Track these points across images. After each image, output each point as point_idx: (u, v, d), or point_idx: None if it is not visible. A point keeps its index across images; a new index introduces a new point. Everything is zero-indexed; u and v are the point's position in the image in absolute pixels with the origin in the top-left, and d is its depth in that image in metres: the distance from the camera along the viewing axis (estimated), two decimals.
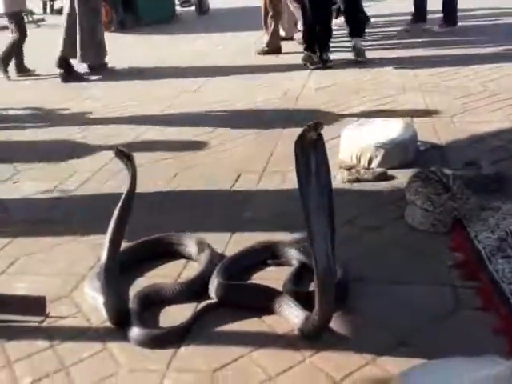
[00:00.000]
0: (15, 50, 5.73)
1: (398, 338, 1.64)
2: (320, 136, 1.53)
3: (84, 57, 5.42)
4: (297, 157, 1.55)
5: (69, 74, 5.40)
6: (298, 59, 5.30)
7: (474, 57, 5.02)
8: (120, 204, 1.76)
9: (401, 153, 2.86)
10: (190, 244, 2.10)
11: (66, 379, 1.57)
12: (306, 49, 5.20)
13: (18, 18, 5.70)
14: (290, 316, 1.71)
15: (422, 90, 4.21)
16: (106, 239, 1.74)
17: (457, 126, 3.40)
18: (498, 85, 4.16)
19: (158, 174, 2.95)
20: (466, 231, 2.19)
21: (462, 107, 3.71)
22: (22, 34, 5.68)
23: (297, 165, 1.56)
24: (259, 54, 5.97)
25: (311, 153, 1.54)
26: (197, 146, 3.39)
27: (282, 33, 6.34)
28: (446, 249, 2.09)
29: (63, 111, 4.42)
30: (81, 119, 4.15)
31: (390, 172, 2.75)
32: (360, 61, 5.14)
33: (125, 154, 1.75)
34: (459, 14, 6.36)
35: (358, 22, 5.34)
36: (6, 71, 5.72)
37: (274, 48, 5.95)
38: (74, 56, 5.39)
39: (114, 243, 1.74)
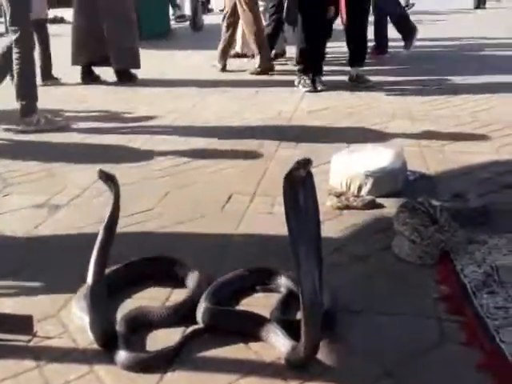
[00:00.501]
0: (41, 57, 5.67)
1: (383, 369, 1.66)
2: (309, 172, 1.55)
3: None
4: (285, 192, 1.57)
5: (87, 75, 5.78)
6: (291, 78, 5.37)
7: (463, 86, 5.12)
8: (104, 226, 1.77)
9: (390, 181, 2.89)
10: (179, 267, 2.11)
11: None
12: (299, 71, 5.26)
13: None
14: (277, 344, 1.72)
15: (412, 117, 4.27)
16: (91, 261, 1.75)
17: (446, 156, 3.44)
18: (489, 115, 4.24)
19: (150, 193, 2.96)
20: (453, 264, 2.22)
21: (452, 137, 3.77)
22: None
23: (285, 199, 1.58)
24: (252, 73, 6.06)
25: (300, 189, 1.56)
26: (189, 164, 3.40)
27: (238, 49, 6.71)
28: (431, 281, 2.11)
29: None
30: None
31: (379, 200, 2.79)
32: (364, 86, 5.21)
33: (108, 175, 1.76)
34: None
35: (362, 50, 5.38)
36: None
37: (265, 68, 6.06)
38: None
39: (100, 265, 1.74)
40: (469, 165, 3.27)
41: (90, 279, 1.73)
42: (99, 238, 1.76)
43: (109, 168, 2.96)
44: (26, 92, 4.09)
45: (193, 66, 6.83)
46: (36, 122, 4.12)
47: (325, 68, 5.45)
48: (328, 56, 5.65)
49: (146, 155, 3.59)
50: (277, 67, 6.31)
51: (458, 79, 5.53)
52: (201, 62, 6.90)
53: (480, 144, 3.63)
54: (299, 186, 1.55)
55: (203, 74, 6.26)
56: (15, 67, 4.00)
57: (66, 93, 5.56)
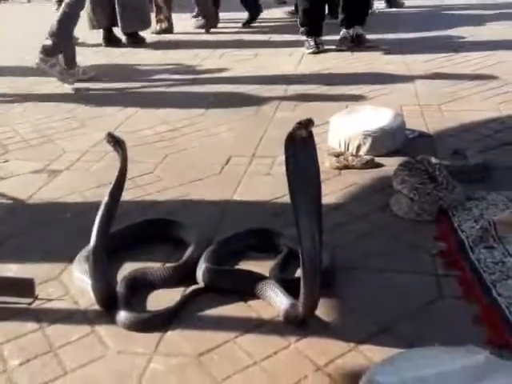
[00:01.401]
0: None
1: (381, 325, 1.67)
2: (310, 133, 1.54)
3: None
4: (287, 153, 1.56)
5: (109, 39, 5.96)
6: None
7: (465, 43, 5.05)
8: (110, 188, 1.77)
9: (389, 141, 2.88)
10: (181, 228, 2.12)
11: (54, 360, 1.59)
12: (303, 33, 5.19)
13: None
14: (276, 302, 1.74)
15: (411, 77, 4.22)
16: (95, 222, 1.76)
17: (445, 114, 3.42)
18: (490, 73, 4.19)
19: (148, 156, 2.96)
20: (451, 221, 2.22)
21: (451, 95, 3.73)
22: None
23: (286, 160, 1.57)
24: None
25: (301, 149, 1.54)
26: (186, 129, 3.39)
27: None
28: (430, 238, 2.12)
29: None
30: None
31: (378, 159, 2.78)
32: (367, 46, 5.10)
33: (116, 139, 1.75)
34: None
35: (364, 7, 5.23)
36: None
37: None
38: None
39: (104, 226, 1.75)
40: (468, 122, 3.24)
41: (92, 241, 1.74)
42: (104, 201, 1.76)
43: (104, 134, 2.98)
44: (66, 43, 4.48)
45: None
46: (76, 72, 4.51)
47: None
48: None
49: (141, 121, 3.57)
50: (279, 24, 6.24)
51: (457, 37, 5.45)
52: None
53: (480, 102, 3.60)
54: (301, 147, 1.54)
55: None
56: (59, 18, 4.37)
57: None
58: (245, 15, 6.84)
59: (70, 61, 4.48)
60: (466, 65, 4.48)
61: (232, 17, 7.12)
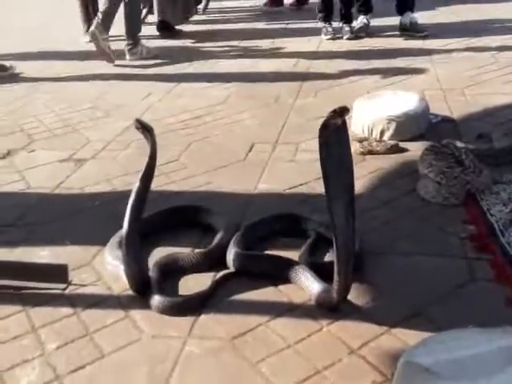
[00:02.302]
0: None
1: (412, 308, 1.68)
2: (344, 121, 1.54)
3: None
4: (321, 141, 1.56)
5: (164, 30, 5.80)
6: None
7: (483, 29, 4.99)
8: (141, 174, 1.79)
9: (412, 125, 2.87)
10: (209, 214, 2.14)
11: (90, 344, 1.62)
12: (319, 19, 5.17)
13: None
14: (307, 286, 1.75)
15: (432, 60, 4.19)
16: (127, 208, 1.78)
17: (468, 98, 3.39)
18: (510, 57, 4.14)
19: (173, 144, 2.97)
20: (479, 204, 2.22)
21: (473, 79, 3.70)
22: None
23: (320, 149, 1.56)
24: None
25: (335, 137, 1.55)
26: (208, 117, 3.40)
27: None
28: (458, 221, 2.12)
29: None
30: None
31: (402, 144, 2.77)
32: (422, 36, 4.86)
33: (144, 125, 1.77)
34: None
35: None
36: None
37: None
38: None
39: (136, 212, 1.77)
40: (492, 106, 3.22)
41: (125, 227, 1.76)
42: (135, 187, 1.78)
43: (127, 124, 2.99)
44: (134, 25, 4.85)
45: None
46: (140, 52, 4.82)
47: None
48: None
49: (164, 109, 3.59)
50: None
51: (476, 22, 5.39)
52: None
53: (502, 85, 3.57)
54: (335, 134, 1.54)
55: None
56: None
57: None
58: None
59: (132, 35, 4.80)
60: (486, 48, 4.43)
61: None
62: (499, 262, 1.88)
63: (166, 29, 5.77)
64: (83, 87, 4.21)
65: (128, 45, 4.83)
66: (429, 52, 4.42)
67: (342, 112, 1.48)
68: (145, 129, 1.77)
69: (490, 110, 3.18)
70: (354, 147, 2.73)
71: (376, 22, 5.32)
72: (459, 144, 2.55)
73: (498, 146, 2.62)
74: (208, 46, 5.29)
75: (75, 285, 1.89)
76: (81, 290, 1.87)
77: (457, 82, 3.65)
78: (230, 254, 1.90)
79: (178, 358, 1.55)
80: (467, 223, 2.11)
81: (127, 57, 4.83)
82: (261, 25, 6.05)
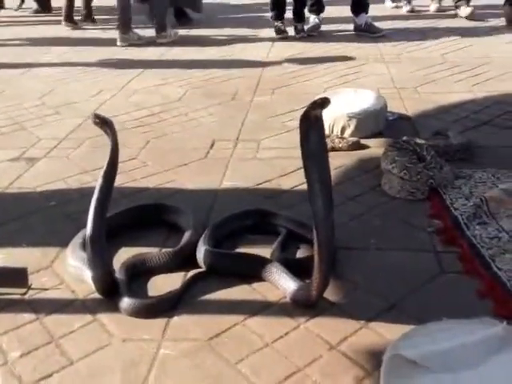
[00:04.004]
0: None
1: (387, 302, 1.67)
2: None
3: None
4: (302, 132, 1.53)
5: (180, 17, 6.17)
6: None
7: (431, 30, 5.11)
8: (104, 170, 1.71)
9: (373, 122, 2.89)
10: (175, 212, 2.08)
11: (57, 351, 1.53)
12: (271, 17, 5.16)
13: None
14: (282, 284, 1.72)
15: (384, 60, 4.25)
16: (91, 206, 1.69)
17: (422, 96, 3.46)
18: (457, 57, 4.25)
19: (130, 142, 2.88)
20: (443, 199, 2.24)
21: (425, 78, 3.77)
22: None
23: (303, 141, 1.54)
24: None
25: (314, 129, 1.52)
26: (164, 114, 3.32)
27: None
28: (424, 216, 2.14)
29: None
30: None
31: (363, 141, 2.79)
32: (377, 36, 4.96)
33: (103, 119, 1.69)
34: None
35: None
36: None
37: None
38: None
39: (100, 210, 1.68)
40: (445, 104, 3.29)
41: (89, 227, 1.67)
42: (98, 185, 1.70)
43: (79, 121, 2.88)
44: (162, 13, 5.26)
45: None
46: (169, 35, 5.28)
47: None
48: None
49: (117, 106, 3.49)
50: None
51: (425, 23, 5.52)
52: None
53: (453, 84, 3.66)
54: (314, 125, 1.51)
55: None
56: None
57: None
58: None
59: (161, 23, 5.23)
60: (435, 48, 4.54)
61: None
62: (467, 254, 1.90)
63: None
64: (29, 84, 4.05)
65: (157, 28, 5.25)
66: (381, 52, 4.49)
67: (323, 103, 1.46)
68: (103, 122, 1.69)
69: (444, 107, 3.25)
70: None
71: (329, 22, 5.38)
72: (419, 140, 2.58)
73: (455, 142, 2.67)
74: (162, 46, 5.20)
75: (35, 289, 1.79)
76: (42, 295, 1.77)
77: (410, 81, 3.71)
78: (200, 253, 1.84)
79: (153, 361, 1.48)
80: (432, 217, 2.13)
81: (118, 42, 5.19)
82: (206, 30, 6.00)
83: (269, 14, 5.28)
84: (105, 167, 1.71)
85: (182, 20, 6.09)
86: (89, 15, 6.33)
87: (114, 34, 5.38)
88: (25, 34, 5.87)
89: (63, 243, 1.99)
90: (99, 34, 5.84)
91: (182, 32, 5.59)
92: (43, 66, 4.58)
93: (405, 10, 5.99)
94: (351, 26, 5.16)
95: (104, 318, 1.65)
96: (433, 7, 5.89)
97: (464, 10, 5.40)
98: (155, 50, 5.02)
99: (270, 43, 5.01)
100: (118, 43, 5.19)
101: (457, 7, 5.39)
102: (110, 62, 4.68)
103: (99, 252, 1.69)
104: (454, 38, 4.82)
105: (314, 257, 1.57)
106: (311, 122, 1.50)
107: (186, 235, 1.94)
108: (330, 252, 1.57)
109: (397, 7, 6.05)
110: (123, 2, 5.15)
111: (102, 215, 1.70)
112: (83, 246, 1.83)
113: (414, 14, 5.95)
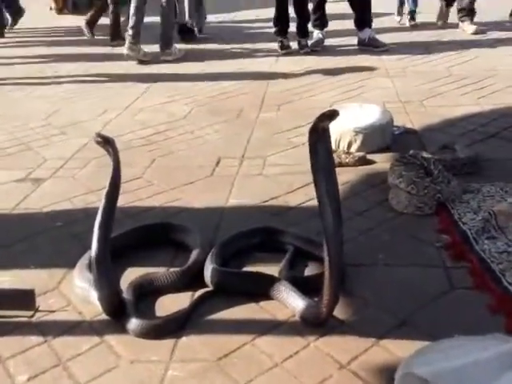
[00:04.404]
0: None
1: (397, 319, 1.66)
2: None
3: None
4: (312, 146, 1.53)
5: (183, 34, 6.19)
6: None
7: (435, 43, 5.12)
8: (106, 190, 1.71)
9: (379, 137, 2.88)
10: (182, 231, 2.07)
11: (64, 374, 1.52)
12: (275, 33, 5.18)
13: None
14: (290, 302, 1.70)
15: (389, 74, 4.26)
16: (95, 226, 1.69)
17: (428, 110, 3.45)
18: (463, 70, 4.25)
19: (136, 161, 2.88)
20: (450, 213, 2.22)
21: (431, 92, 3.77)
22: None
23: (312, 154, 1.54)
24: None
25: (322, 141, 1.52)
26: (170, 132, 3.32)
27: None
28: (432, 231, 2.12)
29: None
30: None
31: (369, 156, 2.78)
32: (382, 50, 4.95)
33: (105, 138, 1.69)
34: None
35: (364, 8, 5.04)
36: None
37: None
38: None
39: (104, 230, 1.68)
40: (452, 117, 3.27)
41: (94, 248, 1.67)
42: (102, 204, 1.70)
43: (85, 141, 2.88)
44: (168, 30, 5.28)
45: None
46: (173, 52, 5.28)
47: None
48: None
49: (122, 125, 3.50)
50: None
51: (429, 37, 5.52)
52: None
53: (459, 97, 3.65)
54: (322, 137, 1.51)
55: None
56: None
57: None
58: None
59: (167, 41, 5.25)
60: (440, 62, 4.54)
61: None
62: (477, 269, 1.87)
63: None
64: (34, 104, 4.07)
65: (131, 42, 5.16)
66: (385, 67, 4.49)
67: (332, 115, 1.46)
68: (106, 142, 1.69)
69: (450, 121, 3.23)
70: None
71: (333, 36, 5.40)
72: (426, 154, 2.56)
73: (462, 156, 2.66)
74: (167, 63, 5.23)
75: (43, 311, 1.77)
76: (49, 317, 1.76)
77: (415, 95, 3.71)
78: (208, 271, 1.83)
79: (162, 382, 1.47)
80: (441, 232, 2.11)
81: (125, 51, 5.20)
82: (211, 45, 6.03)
83: (273, 29, 5.29)
84: (107, 187, 1.71)
85: (187, 37, 6.11)
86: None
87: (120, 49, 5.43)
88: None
89: (70, 264, 1.98)
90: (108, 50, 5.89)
91: (186, 48, 5.64)
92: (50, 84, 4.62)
93: (408, 24, 6.00)
94: (355, 41, 5.17)
95: (111, 339, 1.64)
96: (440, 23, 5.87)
97: (468, 27, 5.41)
98: (160, 67, 5.04)
99: (275, 58, 5.04)
100: (125, 51, 5.17)
101: (461, 21, 5.40)
102: (115, 79, 4.70)
103: (105, 272, 1.68)
104: (458, 51, 4.81)
105: (324, 273, 1.55)
106: (319, 134, 1.49)
107: (194, 254, 1.93)
108: (339, 268, 1.55)
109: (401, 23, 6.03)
110: (139, 15, 5.15)
111: (107, 235, 1.69)
112: (90, 266, 1.82)
113: (418, 28, 5.96)
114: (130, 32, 5.14)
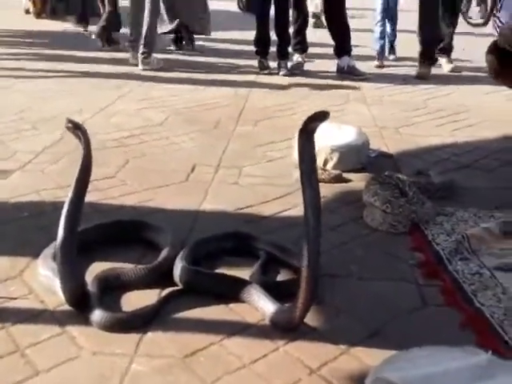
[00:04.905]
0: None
1: (369, 329, 1.63)
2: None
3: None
4: (301, 146, 1.51)
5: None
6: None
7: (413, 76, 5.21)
8: (76, 177, 1.65)
9: (354, 157, 2.89)
10: (153, 230, 2.02)
11: (21, 361, 1.45)
12: (256, 53, 5.22)
13: None
14: (262, 306, 1.66)
15: (366, 102, 4.31)
16: (62, 215, 1.63)
17: (403, 137, 3.48)
18: (438, 103, 4.33)
19: (109, 161, 2.83)
20: (424, 233, 2.23)
21: (407, 121, 3.82)
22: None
23: (301, 155, 1.52)
24: None
25: (310, 141, 1.51)
26: (145, 136, 3.28)
27: None
28: (406, 249, 2.12)
29: None
30: None
31: (345, 175, 2.78)
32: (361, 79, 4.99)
33: (75, 124, 1.64)
34: None
35: (344, 37, 5.08)
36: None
37: None
38: None
39: (71, 220, 1.62)
40: (427, 146, 3.31)
41: (60, 237, 1.61)
42: (70, 193, 1.64)
43: (57, 137, 2.81)
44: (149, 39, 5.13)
45: None
46: (152, 62, 5.17)
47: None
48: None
49: (97, 126, 3.43)
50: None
51: (408, 70, 5.62)
52: None
53: (434, 128, 3.70)
54: (310, 138, 1.50)
55: None
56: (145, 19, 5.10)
57: None
58: None
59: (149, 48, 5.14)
60: (417, 94, 4.62)
61: None
62: (449, 288, 1.87)
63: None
64: (8, 99, 3.98)
65: (142, 53, 5.12)
66: (363, 94, 4.55)
67: (324, 116, 1.45)
68: (76, 127, 1.64)
69: (426, 148, 3.27)
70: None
71: (313, 61, 5.47)
72: (401, 176, 2.58)
73: (436, 181, 2.68)
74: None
75: (2, 297, 1.70)
76: (9, 304, 1.68)
77: (391, 122, 3.75)
78: (178, 269, 1.78)
79: (124, 376, 1.41)
80: (414, 250, 2.11)
81: (140, 66, 5.15)
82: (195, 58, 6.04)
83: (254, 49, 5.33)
84: (77, 174, 1.65)
85: (184, 46, 6.18)
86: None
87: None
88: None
89: (34, 254, 1.91)
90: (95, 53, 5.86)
91: (171, 57, 5.63)
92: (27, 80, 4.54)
93: (391, 58, 6.05)
94: (334, 67, 5.23)
95: (74, 330, 1.57)
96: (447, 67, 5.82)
97: (446, 65, 5.53)
98: (141, 73, 5.04)
99: (255, 76, 5.06)
100: (140, 66, 5.15)
101: (440, 56, 5.50)
102: (95, 81, 4.66)
103: (69, 262, 1.62)
104: (435, 85, 4.91)
105: (301, 276, 1.52)
106: (309, 135, 1.48)
107: (164, 252, 1.88)
108: (316, 272, 1.53)
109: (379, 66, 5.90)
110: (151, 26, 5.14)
111: (74, 225, 1.63)
112: (55, 256, 1.75)
113: (397, 60, 6.07)
114: (142, 45, 5.10)
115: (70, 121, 1.64)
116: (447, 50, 5.52)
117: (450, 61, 5.54)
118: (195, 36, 6.35)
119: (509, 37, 2.96)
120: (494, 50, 2.97)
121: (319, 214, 1.52)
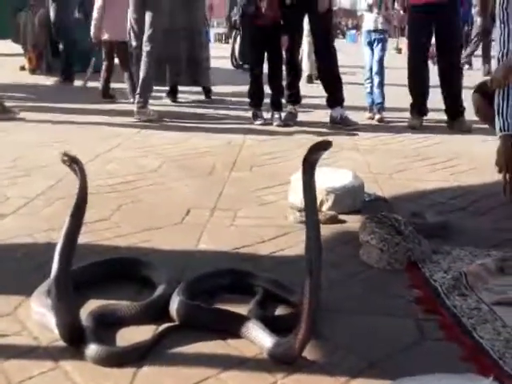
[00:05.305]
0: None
1: (368, 362, 1.60)
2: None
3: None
4: (305, 175, 1.53)
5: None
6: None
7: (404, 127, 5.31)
8: (71, 211, 1.65)
9: (350, 199, 2.91)
10: (148, 267, 2.00)
11: None
12: (249, 104, 5.31)
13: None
14: (259, 340, 1.63)
15: (359, 150, 4.36)
16: (56, 251, 1.61)
17: (398, 182, 3.51)
18: (430, 151, 4.39)
19: (103, 205, 2.83)
20: (421, 271, 2.22)
21: (400, 167, 3.86)
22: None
23: (305, 185, 1.58)
24: None
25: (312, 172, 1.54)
26: (139, 182, 3.29)
27: None
28: (403, 286, 2.10)
29: None
30: None
31: (340, 216, 2.78)
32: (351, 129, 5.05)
33: (71, 157, 1.64)
34: None
35: (336, 88, 5.19)
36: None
37: None
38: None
39: (66, 255, 1.60)
40: (421, 190, 3.34)
41: (54, 272, 1.59)
42: (65, 226, 1.63)
43: (51, 182, 2.79)
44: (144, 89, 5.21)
45: None
46: (148, 113, 5.20)
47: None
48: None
49: (90, 173, 3.43)
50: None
51: (397, 118, 5.73)
52: None
53: (429, 173, 3.74)
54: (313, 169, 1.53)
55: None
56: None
57: None
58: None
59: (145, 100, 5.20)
60: (409, 142, 4.68)
61: None
62: (448, 322, 1.85)
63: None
64: (2, 147, 4.03)
65: (138, 103, 5.17)
66: (356, 143, 4.61)
67: (326, 145, 1.48)
68: (72, 160, 1.64)
69: (420, 193, 3.29)
70: (294, 216, 2.72)
71: (305, 112, 5.56)
72: (397, 216, 2.59)
73: (432, 221, 2.69)
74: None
75: None
76: (2, 341, 1.65)
77: (385, 168, 3.79)
78: (174, 304, 1.75)
79: None
80: (412, 287, 2.10)
81: (135, 116, 5.17)
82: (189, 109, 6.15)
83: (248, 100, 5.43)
84: (72, 208, 1.65)
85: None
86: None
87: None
88: None
89: (28, 292, 1.88)
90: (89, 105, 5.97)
91: (165, 108, 5.79)
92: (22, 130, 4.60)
93: (376, 117, 5.93)
94: (327, 118, 5.32)
95: (67, 365, 1.54)
96: None
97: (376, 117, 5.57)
98: (135, 122, 5.12)
99: (249, 125, 5.14)
100: (136, 117, 5.18)
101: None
102: (89, 129, 4.75)
103: (64, 296, 1.59)
104: (426, 134, 4.99)
105: (301, 309, 1.51)
106: (312, 164, 1.51)
107: (160, 288, 1.86)
108: (316, 305, 1.52)
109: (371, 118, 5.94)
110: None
111: (69, 259, 1.61)
112: (48, 293, 1.73)
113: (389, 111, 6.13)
114: (138, 95, 5.18)
115: (65, 154, 1.64)
116: None
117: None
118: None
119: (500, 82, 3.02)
120: (479, 88, 3.05)
121: (321, 246, 1.53)
